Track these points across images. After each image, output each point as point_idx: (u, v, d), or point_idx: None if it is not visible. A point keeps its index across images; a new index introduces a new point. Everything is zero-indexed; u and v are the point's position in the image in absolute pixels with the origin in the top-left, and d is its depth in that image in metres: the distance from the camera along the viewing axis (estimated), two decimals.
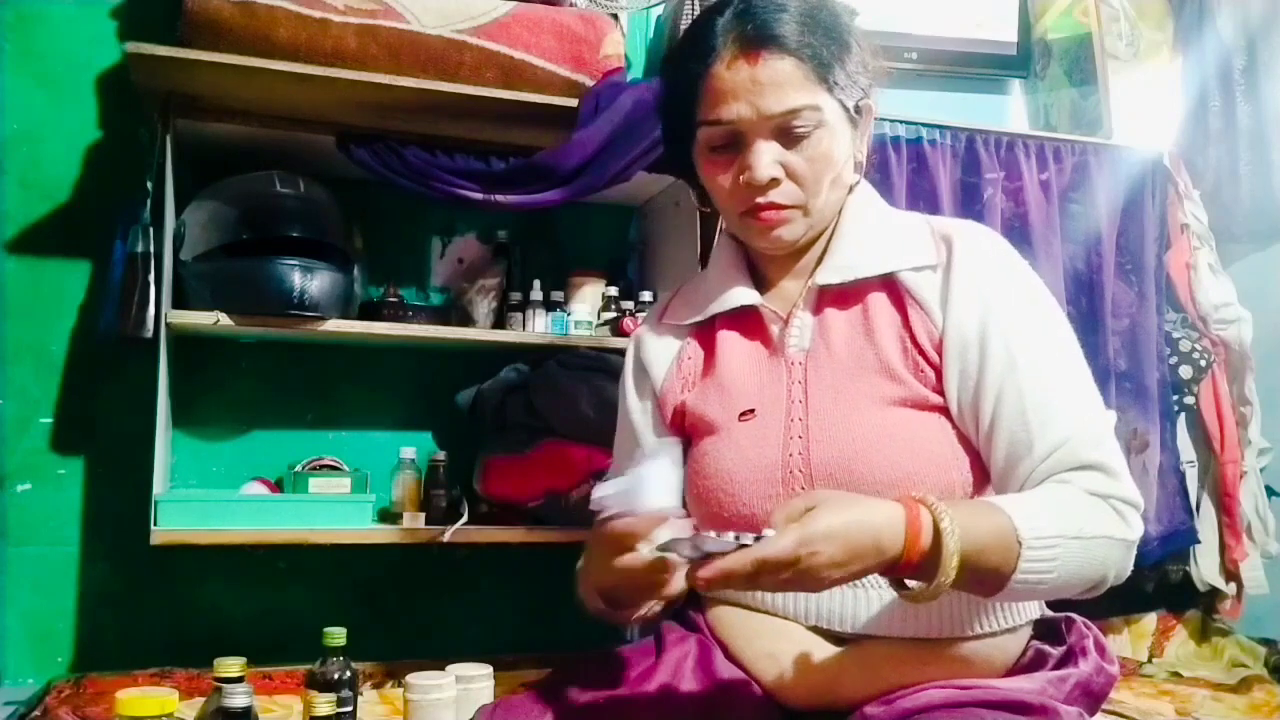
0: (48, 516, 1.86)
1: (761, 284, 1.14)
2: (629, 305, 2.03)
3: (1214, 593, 2.25)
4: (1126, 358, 2.18)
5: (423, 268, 2.14)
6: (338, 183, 1.85)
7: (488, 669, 1.44)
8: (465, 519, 1.82)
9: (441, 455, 1.91)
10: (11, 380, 1.87)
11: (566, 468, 1.83)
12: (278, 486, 1.87)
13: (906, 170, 2.04)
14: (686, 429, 1.15)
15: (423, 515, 1.83)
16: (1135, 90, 2.45)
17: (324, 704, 1.19)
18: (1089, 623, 1.08)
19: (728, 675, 1.03)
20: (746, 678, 1.03)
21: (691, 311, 1.18)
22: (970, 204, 2.10)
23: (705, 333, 1.17)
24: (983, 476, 1.03)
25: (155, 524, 1.64)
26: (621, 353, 1.88)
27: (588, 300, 2.05)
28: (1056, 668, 1.02)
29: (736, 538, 0.82)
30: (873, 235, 1.09)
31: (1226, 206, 2.37)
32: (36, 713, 1.53)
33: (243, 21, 1.66)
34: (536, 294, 2.00)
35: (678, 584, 0.89)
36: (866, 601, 0.99)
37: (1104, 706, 1.06)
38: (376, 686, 1.74)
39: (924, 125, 2.08)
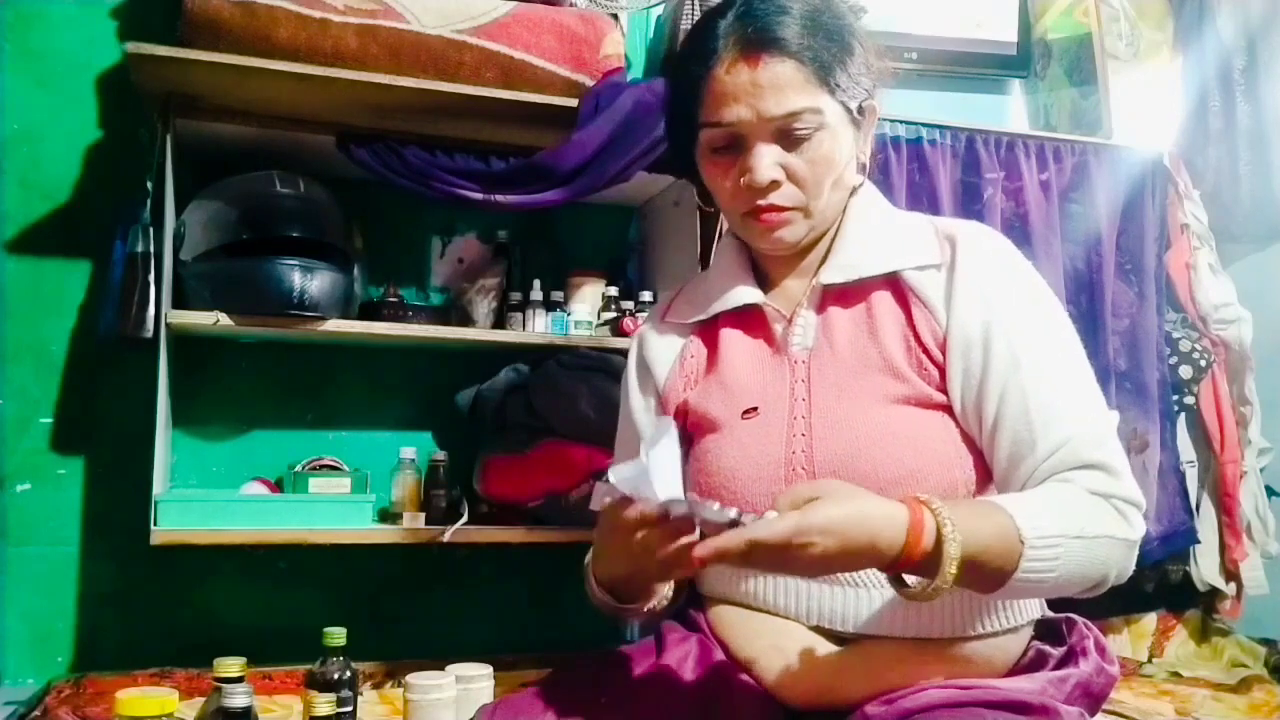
0: (48, 516, 1.86)
1: (765, 283, 1.15)
2: (629, 305, 2.03)
3: (1214, 593, 2.25)
4: (1126, 358, 2.18)
5: (423, 268, 2.14)
6: (338, 183, 1.85)
7: (488, 669, 1.44)
8: (465, 519, 1.82)
9: (441, 455, 1.91)
10: (11, 380, 1.87)
11: (566, 468, 1.83)
12: (278, 486, 1.87)
13: (906, 170, 2.04)
14: (689, 427, 1.15)
15: (423, 515, 1.83)
16: (1135, 90, 2.45)
17: (324, 704, 1.19)
18: (1089, 623, 1.08)
19: (728, 675, 1.03)
20: (747, 677, 1.03)
21: (695, 310, 1.18)
22: (970, 204, 2.10)
23: (708, 331, 1.17)
24: (985, 475, 1.03)
25: (155, 524, 1.64)
26: (621, 353, 1.89)
27: (588, 300, 2.05)
28: (1057, 668, 1.02)
29: (738, 514, 0.82)
30: (876, 235, 1.10)
31: (1226, 206, 2.37)
32: (36, 713, 1.53)
33: (243, 21, 1.66)
34: (536, 294, 2.00)
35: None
36: (868, 601, 0.99)
37: (1104, 707, 1.06)
38: (376, 686, 1.74)
39: (924, 125, 2.08)
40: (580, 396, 1.83)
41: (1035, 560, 0.88)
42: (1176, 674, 2.04)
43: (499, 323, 1.99)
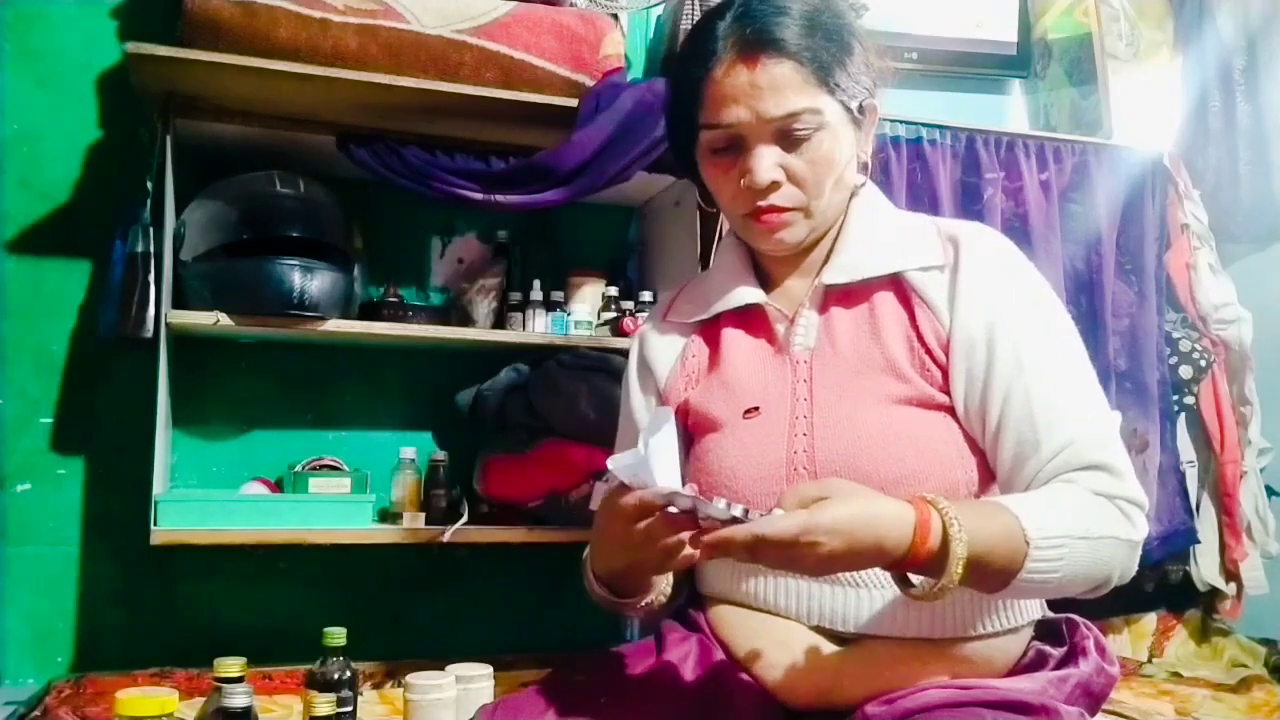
0: (48, 516, 1.86)
1: (766, 283, 1.14)
2: (629, 305, 2.03)
3: (1214, 593, 2.25)
4: (1126, 358, 2.18)
5: (423, 268, 2.14)
6: (338, 183, 1.86)
7: (488, 669, 1.44)
8: (465, 519, 1.82)
9: (441, 455, 1.91)
10: (11, 380, 1.87)
11: (566, 468, 1.83)
12: (278, 486, 1.87)
13: (906, 170, 2.04)
14: (690, 426, 1.15)
15: (423, 515, 1.83)
16: (1135, 90, 2.45)
17: (324, 704, 1.19)
18: (1089, 624, 1.08)
19: (728, 675, 1.03)
20: (747, 677, 1.03)
21: (696, 309, 1.18)
22: (970, 204, 2.10)
23: (710, 330, 1.17)
24: (987, 476, 1.03)
25: (155, 524, 1.64)
26: (621, 353, 1.89)
27: (588, 300, 2.05)
28: (1057, 668, 1.02)
29: (744, 511, 0.82)
30: (879, 235, 1.09)
31: (1226, 206, 2.37)
32: (36, 713, 1.53)
33: (243, 21, 1.66)
34: (536, 294, 2.00)
35: (692, 551, 0.88)
36: (869, 601, 0.99)
37: (1104, 706, 1.06)
38: (376, 686, 1.74)
39: (924, 125, 2.08)
40: (580, 396, 1.83)
41: (1040, 560, 0.88)
42: (1176, 674, 2.04)
43: (499, 323, 1.99)
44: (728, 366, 1.12)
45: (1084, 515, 0.92)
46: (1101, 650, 1.05)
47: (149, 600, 1.89)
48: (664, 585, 1.10)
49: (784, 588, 1.03)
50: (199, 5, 1.64)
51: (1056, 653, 1.04)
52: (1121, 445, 0.99)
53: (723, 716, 0.98)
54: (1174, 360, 2.24)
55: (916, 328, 1.04)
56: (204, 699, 1.20)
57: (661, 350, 1.19)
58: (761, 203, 1.05)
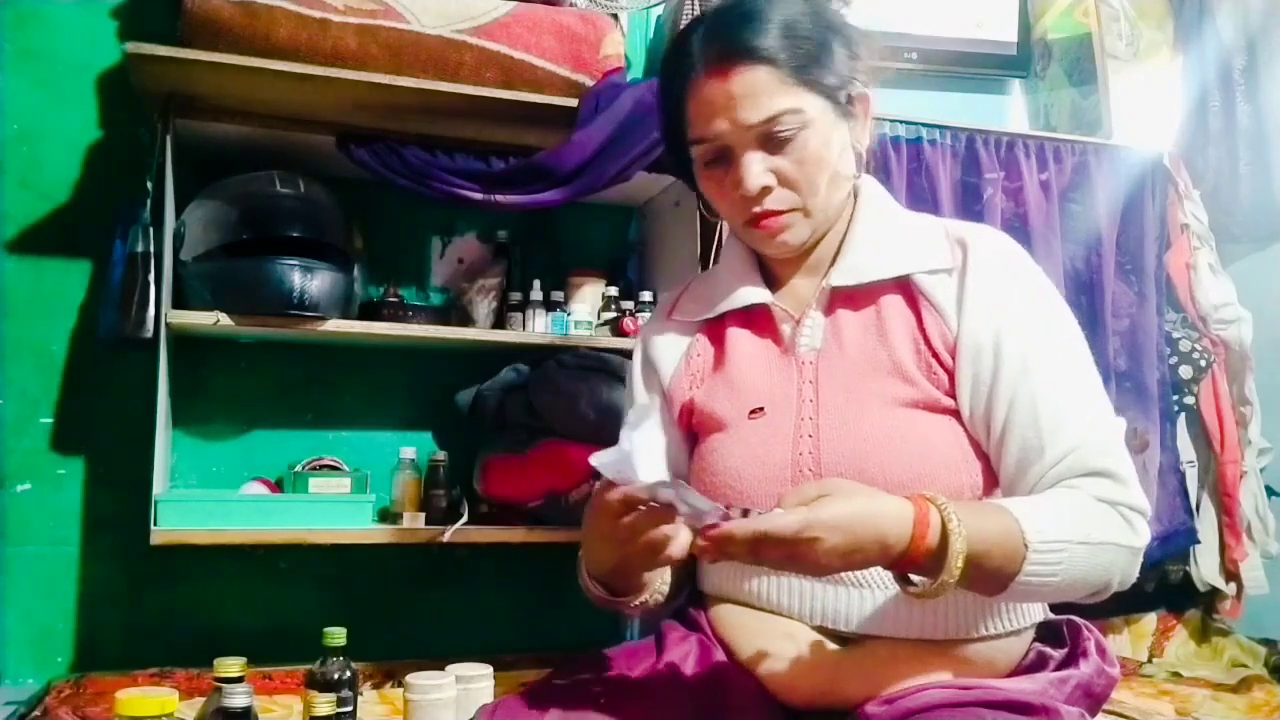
0: (48, 516, 1.86)
1: (772, 282, 1.14)
2: (629, 305, 2.03)
3: (1214, 593, 2.25)
4: (1126, 358, 2.18)
5: (423, 268, 2.14)
6: (338, 183, 1.86)
7: (488, 669, 1.44)
8: (465, 519, 1.83)
9: (441, 455, 1.91)
10: (11, 380, 1.87)
11: (566, 468, 1.83)
12: (278, 486, 1.87)
13: (906, 170, 2.04)
14: (694, 425, 1.15)
15: (423, 515, 1.83)
16: (1135, 90, 2.45)
17: (324, 704, 1.19)
18: (1090, 625, 1.08)
19: (728, 674, 1.03)
20: (747, 677, 1.03)
21: (701, 308, 1.18)
22: (970, 204, 2.10)
23: (714, 330, 1.16)
24: (992, 480, 1.03)
25: (155, 524, 1.64)
26: (621, 353, 1.90)
27: (588, 300, 2.05)
28: (1058, 670, 1.02)
29: (726, 510, 0.82)
30: (887, 237, 1.09)
31: (1226, 206, 2.37)
32: (36, 713, 1.53)
33: (243, 21, 1.66)
34: (536, 294, 2.00)
35: (678, 548, 0.88)
36: (871, 601, 0.99)
37: (1104, 707, 1.06)
38: (376, 686, 1.74)
39: (924, 125, 2.08)
40: (580, 396, 1.83)
41: (1038, 564, 0.88)
42: (1176, 674, 2.04)
43: (499, 323, 1.99)
44: (733, 366, 1.12)
45: (1085, 521, 0.92)
46: (1102, 652, 1.05)
47: (149, 600, 1.89)
48: (659, 584, 1.10)
49: (786, 587, 1.03)
50: (199, 5, 1.64)
51: (1057, 654, 1.04)
52: (1126, 451, 0.99)
53: (723, 716, 0.98)
54: (1174, 360, 2.24)
55: (923, 331, 1.04)
56: (204, 699, 1.20)
57: (665, 349, 1.19)
58: (757, 209, 1.05)
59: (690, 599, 1.17)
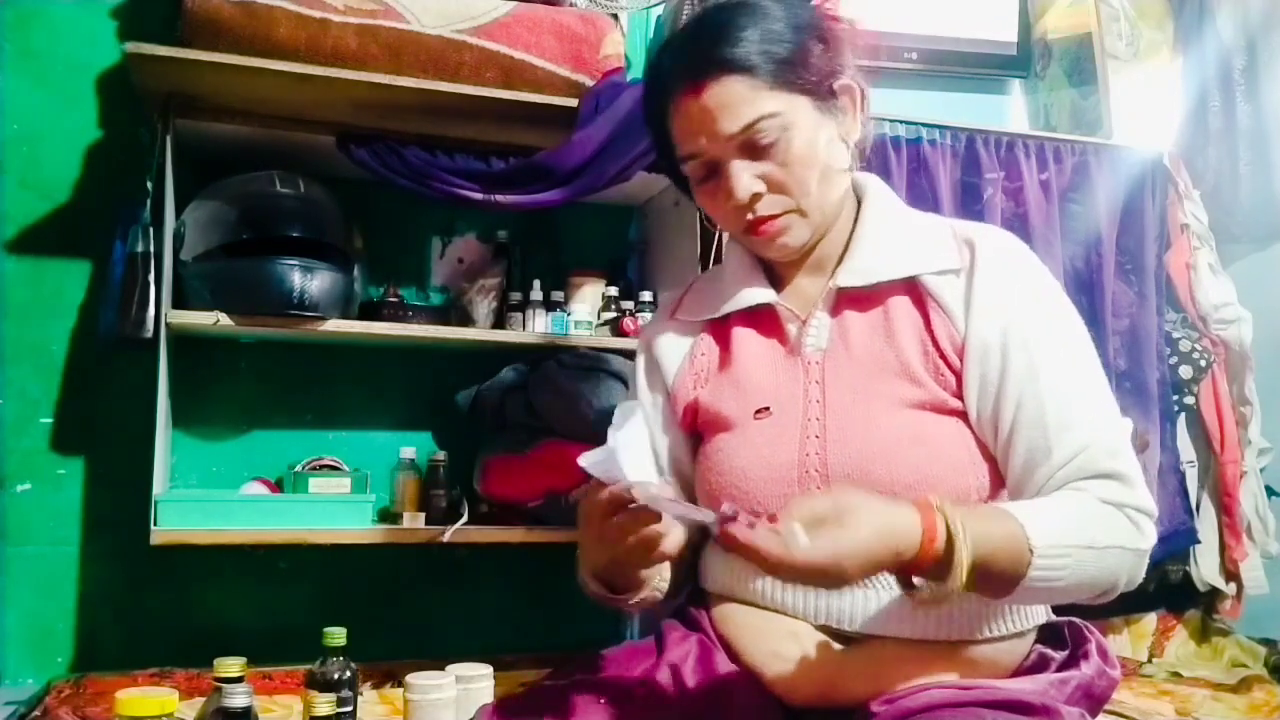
0: (48, 516, 1.86)
1: (776, 282, 1.14)
2: (629, 305, 2.03)
3: (1214, 593, 2.25)
4: (1126, 358, 2.18)
5: (423, 268, 2.14)
6: (338, 183, 1.86)
7: (488, 669, 1.44)
8: (465, 519, 1.82)
9: (441, 455, 1.91)
10: (11, 380, 1.87)
11: (566, 468, 1.82)
12: (278, 486, 1.87)
13: (906, 170, 2.04)
14: (699, 425, 1.14)
15: (423, 515, 1.83)
16: (1135, 90, 2.45)
17: (324, 704, 1.19)
18: (1091, 627, 1.08)
19: (729, 674, 1.03)
20: (748, 676, 1.03)
21: (706, 308, 1.17)
22: (970, 204, 2.10)
23: (719, 329, 1.16)
24: (999, 481, 1.03)
25: (155, 524, 1.64)
26: (621, 353, 1.90)
27: (588, 300, 2.05)
28: (1059, 671, 1.02)
29: (714, 519, 0.82)
30: (894, 237, 1.09)
31: (1226, 206, 2.37)
32: (36, 713, 1.53)
33: (243, 21, 1.66)
34: (536, 294, 2.00)
35: (670, 544, 0.88)
36: (875, 601, 0.99)
37: (1104, 707, 1.06)
38: (376, 686, 1.74)
39: (924, 125, 2.08)
40: (580, 396, 1.83)
41: (1043, 569, 0.88)
42: (1176, 674, 2.04)
43: (499, 323, 1.99)
44: (738, 366, 1.12)
45: (1090, 524, 0.93)
46: (1103, 653, 1.05)
47: (149, 600, 1.89)
48: (658, 580, 1.09)
49: (789, 586, 1.03)
50: (199, 5, 1.64)
51: (1059, 655, 1.04)
52: (1133, 453, 0.99)
53: (724, 716, 0.98)
54: (1174, 360, 2.24)
55: (931, 332, 1.04)
56: (204, 699, 1.20)
57: (669, 348, 1.19)
58: (751, 216, 1.05)
59: (691, 598, 1.16)
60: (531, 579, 2.10)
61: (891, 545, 0.83)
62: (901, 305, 1.06)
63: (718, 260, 1.79)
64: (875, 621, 1.00)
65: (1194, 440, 2.28)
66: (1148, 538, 0.96)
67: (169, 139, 1.73)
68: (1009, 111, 2.63)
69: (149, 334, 1.67)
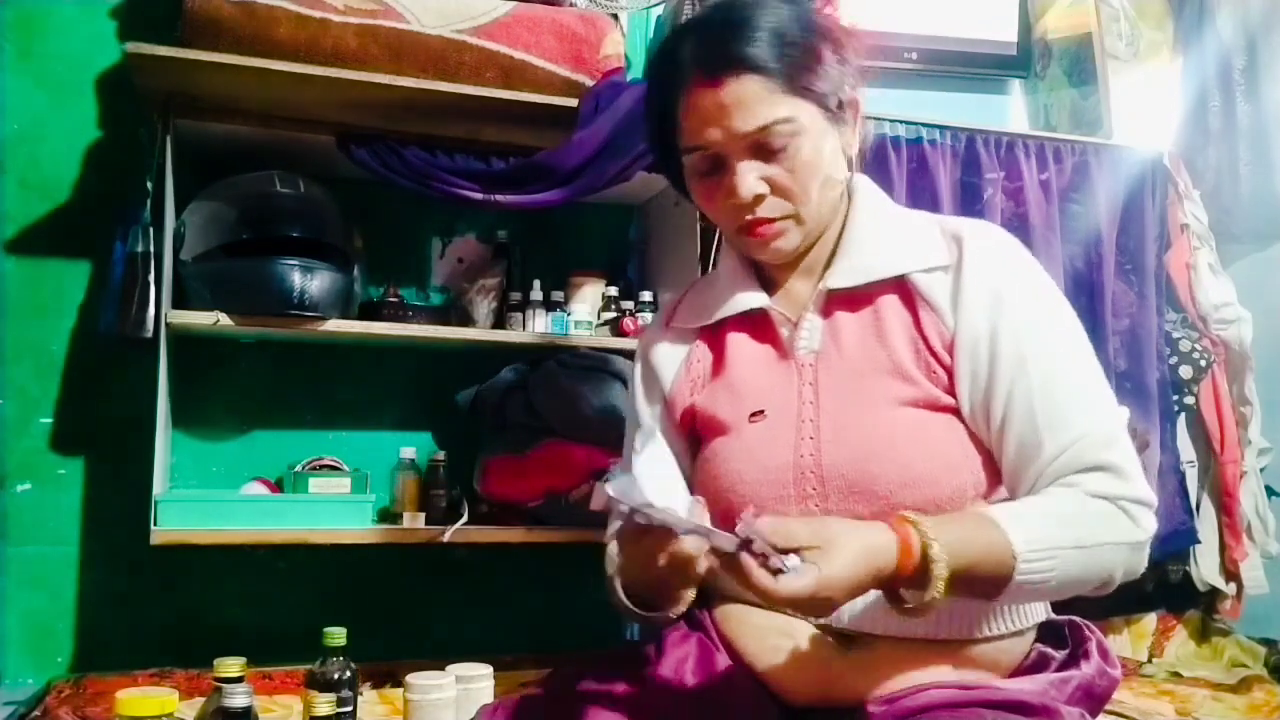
0: (48, 516, 1.86)
1: (769, 285, 1.14)
2: (629, 305, 2.03)
3: (1214, 593, 2.25)
4: (1126, 358, 2.18)
5: (423, 268, 2.14)
6: (338, 183, 1.86)
7: (488, 669, 1.44)
8: (465, 519, 1.83)
9: (441, 455, 1.91)
10: (11, 380, 1.87)
11: (566, 468, 1.83)
12: (278, 486, 1.87)
13: (906, 170, 2.04)
14: (697, 429, 1.15)
15: (423, 515, 1.83)
16: (1135, 90, 2.45)
17: (324, 704, 1.19)
18: (1091, 626, 1.08)
19: (729, 674, 1.03)
20: (747, 676, 1.03)
21: (700, 315, 1.18)
22: (970, 204, 2.10)
23: (714, 335, 1.16)
24: (995, 477, 1.03)
25: (155, 524, 1.64)
26: (621, 353, 1.90)
27: (588, 300, 2.05)
28: (1059, 670, 1.02)
29: (736, 545, 0.83)
30: (883, 237, 1.09)
31: (1226, 206, 2.37)
32: (36, 713, 1.53)
33: (243, 21, 1.66)
34: (536, 294, 2.00)
35: (703, 566, 0.88)
36: (874, 601, 0.99)
37: (1104, 707, 1.06)
38: (376, 686, 1.74)
39: (924, 125, 2.08)
40: (580, 396, 1.83)
41: (1029, 573, 0.89)
42: (1176, 674, 2.04)
43: (499, 323, 1.99)
44: (733, 370, 1.12)
45: (1077, 523, 0.92)
46: (1104, 652, 1.05)
47: (149, 600, 1.89)
48: (690, 594, 1.09)
49: None
50: (199, 5, 1.64)
51: (1059, 655, 1.04)
52: (1129, 442, 0.98)
53: (724, 715, 0.98)
54: (1174, 360, 2.24)
55: (921, 330, 1.04)
56: (204, 699, 1.20)
57: (666, 357, 1.19)
58: (750, 216, 1.05)
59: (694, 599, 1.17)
60: (531, 579, 2.10)
61: (872, 566, 0.84)
62: (891, 304, 1.06)
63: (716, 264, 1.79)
64: (874, 621, 1.00)
65: (1194, 440, 2.28)
66: (1145, 528, 0.95)
67: (169, 139, 1.73)
68: (1009, 111, 2.63)
69: (149, 334, 1.67)
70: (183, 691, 1.46)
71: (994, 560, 0.88)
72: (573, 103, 1.83)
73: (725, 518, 1.02)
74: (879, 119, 1.99)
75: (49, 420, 1.88)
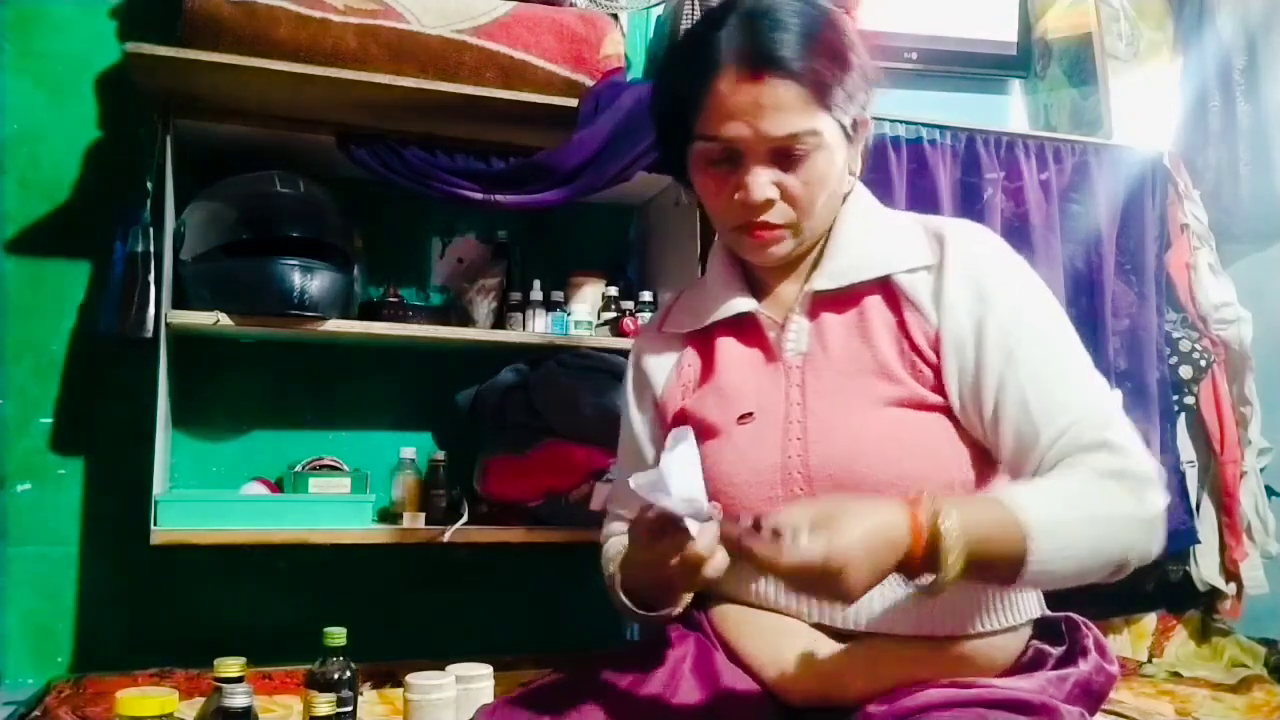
0: (48, 516, 1.86)
1: (758, 289, 1.15)
2: (629, 305, 2.03)
3: (1214, 593, 2.25)
4: (1126, 358, 2.18)
5: (423, 268, 2.14)
6: (338, 183, 1.86)
7: (488, 669, 1.44)
8: (465, 519, 1.83)
9: (441, 455, 1.91)
10: (11, 380, 1.87)
11: (566, 468, 1.83)
12: (278, 486, 1.87)
13: (906, 170, 2.04)
14: None
15: (423, 515, 1.83)
16: (1135, 90, 2.45)
17: (324, 704, 1.19)
18: (1089, 623, 1.08)
19: (727, 674, 1.03)
20: (746, 676, 1.03)
21: (690, 320, 1.18)
22: (970, 204, 2.10)
23: (703, 340, 1.17)
24: (985, 474, 1.03)
25: (155, 524, 1.64)
26: (621, 353, 1.89)
27: (588, 300, 2.05)
28: (1057, 667, 1.02)
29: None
30: (867, 239, 1.09)
31: (1226, 206, 2.37)
32: (36, 713, 1.53)
33: (243, 21, 1.66)
34: (536, 294, 2.00)
35: (714, 568, 0.88)
36: (870, 599, 0.99)
37: (1104, 706, 1.06)
38: (376, 686, 1.74)
39: (924, 125, 2.08)
40: (580, 396, 1.83)
41: (1042, 550, 0.87)
42: (1176, 674, 2.04)
43: (499, 323, 1.99)
44: (722, 374, 1.13)
45: (1084, 498, 0.91)
46: (1101, 649, 1.05)
47: (149, 600, 1.89)
48: (688, 596, 1.10)
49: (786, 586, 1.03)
50: (199, 5, 1.64)
51: (1056, 651, 1.04)
52: (1125, 421, 0.97)
53: (722, 715, 0.98)
54: (1174, 360, 2.24)
55: (905, 329, 1.04)
56: (204, 699, 1.20)
57: (657, 363, 1.20)
58: (754, 219, 1.05)
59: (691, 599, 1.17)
60: (531, 579, 2.10)
61: (884, 537, 0.83)
62: (876, 305, 1.07)
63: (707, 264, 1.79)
64: (869, 619, 1.00)
65: (1194, 440, 2.28)
66: (1150, 504, 0.93)
67: (169, 139, 1.73)
68: (1009, 111, 2.63)
69: (149, 334, 1.67)
70: (183, 691, 1.46)
71: (1005, 538, 0.87)
72: (573, 103, 1.83)
73: None
74: (879, 119, 1.99)
75: (49, 420, 1.88)
